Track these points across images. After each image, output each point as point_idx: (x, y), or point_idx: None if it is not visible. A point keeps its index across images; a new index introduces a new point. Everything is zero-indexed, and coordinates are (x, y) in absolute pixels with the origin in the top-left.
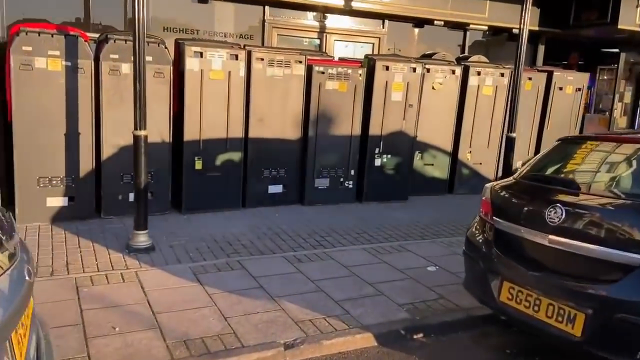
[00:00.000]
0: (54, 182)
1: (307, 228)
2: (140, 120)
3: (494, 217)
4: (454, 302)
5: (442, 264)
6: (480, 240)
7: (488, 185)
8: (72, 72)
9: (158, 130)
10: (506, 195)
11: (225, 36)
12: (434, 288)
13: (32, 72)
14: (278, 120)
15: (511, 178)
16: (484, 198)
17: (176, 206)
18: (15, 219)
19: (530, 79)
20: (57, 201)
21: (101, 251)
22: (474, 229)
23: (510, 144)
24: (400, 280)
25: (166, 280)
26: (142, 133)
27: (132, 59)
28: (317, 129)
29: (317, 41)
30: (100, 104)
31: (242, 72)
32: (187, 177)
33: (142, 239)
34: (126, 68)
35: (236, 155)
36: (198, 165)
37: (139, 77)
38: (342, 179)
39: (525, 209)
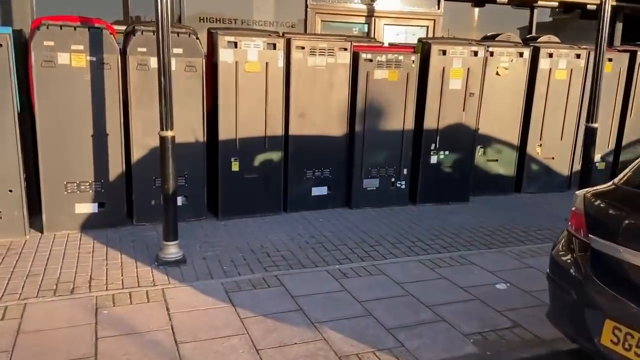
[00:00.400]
0: (82, 187)
1: (355, 235)
2: (166, 119)
3: (590, 235)
4: (532, 331)
5: (513, 280)
6: (571, 263)
7: (580, 192)
8: (97, 68)
9: (191, 128)
10: (606, 207)
11: (265, 25)
12: (506, 312)
13: (55, 69)
14: (321, 115)
15: (610, 184)
16: (574, 209)
17: (213, 211)
18: (43, 227)
19: (610, 60)
20: (86, 207)
21: (128, 264)
22: (561, 248)
23: (590, 136)
24: (463, 301)
25: (195, 299)
26: (168, 134)
27: (157, 51)
28: (365, 123)
29: (365, 26)
30: (128, 102)
31: (281, 63)
32: (224, 180)
33: (171, 250)
34: (155, 62)
35: (276, 155)
36: (235, 166)
37: (163, 70)
38: (393, 179)
39: (634, 225)
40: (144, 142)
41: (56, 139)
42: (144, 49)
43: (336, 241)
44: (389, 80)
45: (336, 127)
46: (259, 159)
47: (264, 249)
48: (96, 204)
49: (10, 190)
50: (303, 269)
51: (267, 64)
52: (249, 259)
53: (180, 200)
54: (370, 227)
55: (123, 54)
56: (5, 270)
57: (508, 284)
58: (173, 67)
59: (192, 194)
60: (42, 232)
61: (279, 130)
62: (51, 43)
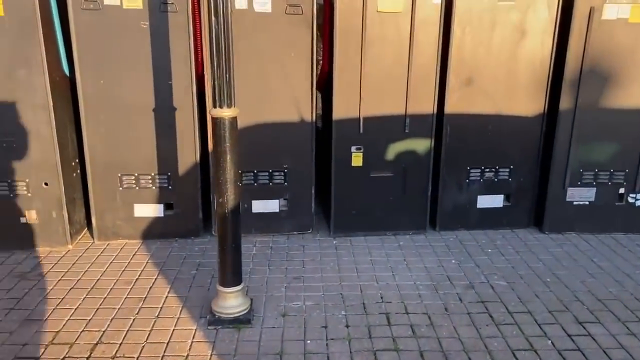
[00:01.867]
0: (143, 181)
1: (556, 288)
2: (220, 88)
3: None
4: None
5: None
6: None
7: None
8: (158, 11)
9: (293, 101)
10: None
11: None
12: None
13: (100, 13)
14: (499, 82)
15: None
16: None
17: (326, 220)
18: (93, 234)
19: None
20: (148, 209)
21: (170, 310)
22: None
23: None
24: None
25: None
26: (225, 113)
27: None
28: (579, 97)
29: None
30: (204, 61)
31: None
32: (339, 179)
33: (230, 303)
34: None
35: (421, 144)
36: (357, 160)
37: (215, 10)
38: (622, 190)
39: None
40: None
41: (105, 115)
42: None
43: (514, 301)
44: (630, 22)
45: (525, 102)
46: (395, 149)
47: (383, 307)
48: (161, 206)
49: (46, 184)
50: None
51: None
52: (354, 324)
53: (276, 205)
54: (581, 273)
55: None
56: (5, 302)
57: None
58: (263, 7)
59: (294, 195)
60: (92, 239)
61: (428, 107)
62: None
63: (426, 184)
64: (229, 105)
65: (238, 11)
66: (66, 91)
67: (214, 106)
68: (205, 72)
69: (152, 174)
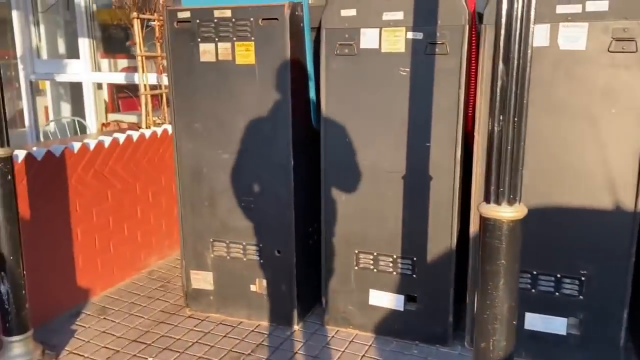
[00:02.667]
0: (382, 263)
1: None
2: (499, 177)
3: None
4: None
5: None
6: None
7: None
8: (423, 53)
9: (607, 179)
10: None
11: None
12: None
13: (354, 59)
14: None
15: None
16: None
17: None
18: (323, 316)
19: None
20: (386, 299)
21: None
22: None
23: None
24: None
25: None
26: (503, 214)
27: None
28: None
29: None
30: (475, 119)
31: None
32: None
33: None
34: (546, 34)
35: None
36: None
37: (505, 53)
38: None
39: None
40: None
41: (346, 178)
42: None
43: None
44: None
45: None
46: None
47: None
48: (402, 297)
49: (279, 252)
50: None
51: None
52: None
53: (563, 325)
54: None
55: (480, 21)
56: None
57: None
58: (574, 43)
59: (593, 314)
60: (320, 321)
61: None
62: (351, 13)
63: None
64: (511, 202)
65: (535, 50)
66: (309, 147)
67: (486, 199)
68: (475, 133)
69: (394, 256)
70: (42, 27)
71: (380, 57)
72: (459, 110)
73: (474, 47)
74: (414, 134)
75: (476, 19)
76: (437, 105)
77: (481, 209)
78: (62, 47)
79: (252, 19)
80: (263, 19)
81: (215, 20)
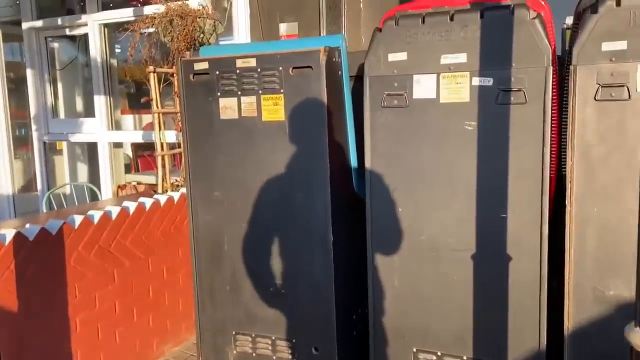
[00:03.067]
0: None
1: None
2: None
3: None
4: None
5: None
6: None
7: None
8: (494, 103)
9: None
10: None
11: None
12: None
13: (406, 111)
14: None
15: None
16: None
17: None
18: None
19: None
20: None
21: None
22: None
23: None
24: None
25: None
26: None
27: None
28: None
29: None
30: (568, 183)
31: None
32: None
33: None
34: None
35: None
36: None
37: None
38: None
39: None
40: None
41: (400, 257)
42: (624, 45)
43: None
44: None
45: None
46: None
47: None
48: None
49: (316, 349)
50: None
51: None
52: None
53: None
54: None
55: (561, 64)
56: None
57: None
58: None
59: None
60: None
61: None
62: (401, 57)
63: None
64: None
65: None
66: (351, 219)
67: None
68: (567, 202)
69: (464, 358)
70: (59, 85)
71: (439, 108)
72: (543, 172)
73: (556, 91)
74: (485, 203)
75: (556, 59)
76: (514, 166)
77: (631, 335)
78: (80, 105)
79: (281, 68)
80: (294, 68)
81: (238, 71)
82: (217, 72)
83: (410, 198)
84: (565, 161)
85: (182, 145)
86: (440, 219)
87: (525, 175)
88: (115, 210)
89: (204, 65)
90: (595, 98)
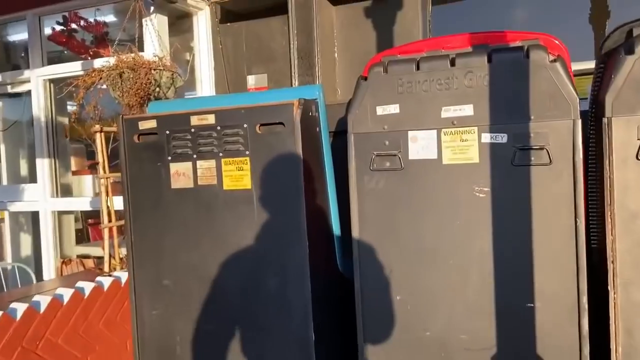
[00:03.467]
0: None
1: None
2: None
3: None
4: None
5: None
6: None
7: None
8: (510, 164)
9: None
10: None
11: None
12: None
13: (400, 175)
14: None
15: None
16: None
17: None
18: None
19: None
20: None
21: None
22: None
23: None
24: None
25: None
26: None
27: None
28: None
29: None
30: (611, 253)
31: None
32: None
33: None
34: None
35: None
36: None
37: None
38: None
39: None
40: None
41: (391, 347)
42: None
43: None
44: None
45: None
46: None
47: None
48: None
49: None
50: None
51: None
52: None
53: None
54: None
55: (596, 116)
56: None
57: None
58: None
59: None
60: None
61: None
62: (393, 109)
63: None
64: None
65: None
66: (336, 308)
67: None
68: (609, 289)
69: None
70: (2, 148)
71: (442, 171)
72: (578, 250)
73: (584, 155)
74: (506, 289)
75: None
76: (541, 242)
77: None
78: (24, 169)
79: (246, 125)
80: (262, 125)
81: (193, 130)
82: (168, 132)
83: (409, 282)
84: (595, 234)
85: (124, 221)
86: (449, 310)
87: (556, 254)
88: (44, 301)
89: (151, 124)
90: (637, 157)
